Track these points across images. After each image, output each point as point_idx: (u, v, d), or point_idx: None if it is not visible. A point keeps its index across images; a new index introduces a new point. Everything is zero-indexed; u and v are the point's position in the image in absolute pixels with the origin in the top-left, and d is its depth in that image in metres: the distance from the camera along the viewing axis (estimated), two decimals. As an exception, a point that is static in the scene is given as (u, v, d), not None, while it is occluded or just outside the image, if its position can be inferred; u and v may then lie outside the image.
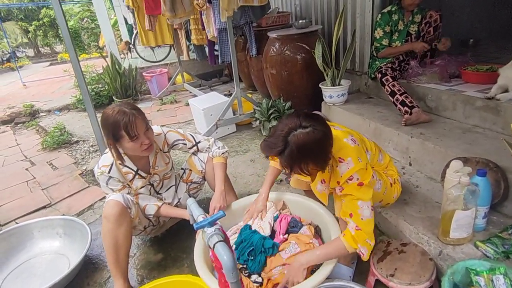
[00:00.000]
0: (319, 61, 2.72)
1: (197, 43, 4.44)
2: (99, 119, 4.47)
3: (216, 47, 4.66)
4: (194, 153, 1.78)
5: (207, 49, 5.03)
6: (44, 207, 2.44)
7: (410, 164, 2.06)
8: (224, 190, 1.67)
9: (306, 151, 1.15)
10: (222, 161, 1.74)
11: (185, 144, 1.69)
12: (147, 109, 4.64)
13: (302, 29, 3.16)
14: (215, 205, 1.60)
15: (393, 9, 2.49)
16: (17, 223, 2.25)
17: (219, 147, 1.76)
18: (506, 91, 1.91)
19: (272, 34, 3.20)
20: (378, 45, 2.56)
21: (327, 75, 2.73)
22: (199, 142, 1.73)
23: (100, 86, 4.97)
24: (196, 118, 3.47)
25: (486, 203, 1.38)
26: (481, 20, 3.80)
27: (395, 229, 1.62)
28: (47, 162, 3.24)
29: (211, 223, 0.92)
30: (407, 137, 2.04)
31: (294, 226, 1.55)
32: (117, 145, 1.42)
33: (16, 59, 10.75)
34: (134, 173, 1.56)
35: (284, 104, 2.99)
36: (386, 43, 2.54)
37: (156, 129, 1.63)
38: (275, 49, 3.17)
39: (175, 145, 1.68)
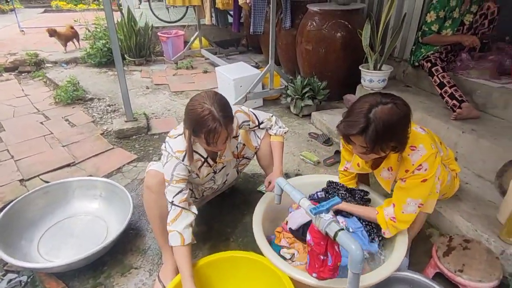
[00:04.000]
0: (365, 42, 2.61)
1: (221, 8, 4.18)
2: (110, 77, 4.22)
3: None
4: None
5: (230, 16, 4.81)
6: (68, 165, 2.33)
7: (456, 159, 2.04)
8: (282, 170, 1.62)
9: (392, 126, 1.11)
10: (281, 140, 1.66)
11: (249, 125, 1.59)
12: (162, 72, 4.44)
13: (344, 6, 3.00)
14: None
15: None
16: (42, 179, 2.15)
17: (280, 126, 1.67)
18: None
19: (313, 7, 3.03)
20: (427, 29, 2.43)
21: (371, 58, 2.63)
22: (262, 122, 1.62)
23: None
24: (222, 88, 3.32)
25: (555, 208, 1.39)
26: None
27: (449, 224, 1.62)
28: (62, 117, 3.08)
29: (328, 210, 0.87)
30: (457, 132, 2.01)
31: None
32: (193, 136, 1.31)
33: (6, 1, 9.89)
34: (203, 160, 1.46)
35: (319, 84, 2.89)
36: (436, 29, 2.42)
37: None
38: (314, 24, 3.02)
39: (241, 127, 1.58)
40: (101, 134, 2.76)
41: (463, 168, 1.98)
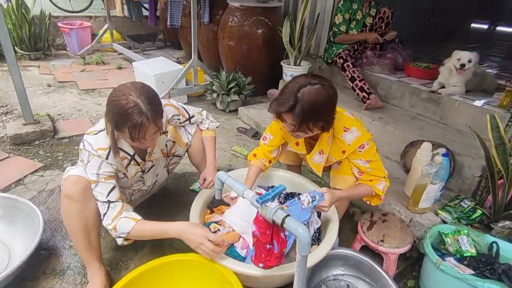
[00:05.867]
0: (285, 39, 2.73)
1: (134, -2, 3.89)
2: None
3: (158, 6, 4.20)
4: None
5: (144, 8, 4.49)
6: None
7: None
8: (216, 166, 1.58)
9: (317, 106, 1.17)
10: (213, 135, 1.63)
11: (179, 119, 1.50)
12: (66, 68, 3.91)
13: (264, 3, 3.09)
14: (212, 178, 1.51)
15: None
16: None
17: (211, 121, 1.63)
18: (443, 86, 2.30)
19: (234, 3, 3.04)
20: (337, 30, 2.71)
21: (291, 54, 2.77)
22: (192, 116, 1.55)
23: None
24: (141, 85, 3.09)
25: (445, 178, 1.68)
26: (405, 24, 4.40)
27: (368, 201, 1.81)
28: None
29: (273, 198, 0.87)
30: (368, 120, 2.26)
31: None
32: (116, 131, 1.17)
33: None
34: (130, 158, 1.31)
35: (244, 79, 2.92)
36: (344, 30, 2.70)
37: None
38: (235, 20, 3.03)
39: (171, 121, 1.47)
40: (-10, 141, 2.28)
41: (374, 152, 2.25)
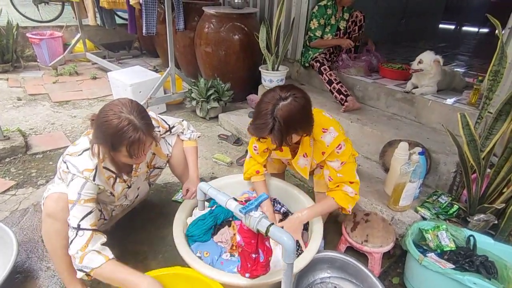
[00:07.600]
0: (262, 44, 2.75)
1: (107, 7, 3.79)
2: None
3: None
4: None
5: (118, 16, 4.40)
6: None
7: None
8: (198, 176, 1.56)
9: (293, 120, 1.18)
10: (195, 145, 1.61)
11: (159, 131, 1.47)
12: (38, 80, 3.76)
13: (239, 10, 3.10)
14: (195, 189, 1.49)
15: (329, 3, 2.71)
16: None
17: (192, 131, 1.61)
18: (416, 87, 2.38)
19: (209, 10, 3.03)
20: (312, 35, 2.77)
21: (268, 59, 2.79)
22: (173, 127, 1.53)
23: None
24: (118, 95, 3.01)
25: (422, 176, 1.73)
26: (377, 26, 4.54)
27: (351, 202, 1.84)
28: None
29: (257, 207, 0.86)
30: (347, 122, 2.31)
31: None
32: (111, 153, 1.13)
33: None
34: (115, 176, 1.27)
35: (223, 85, 2.91)
36: (319, 35, 2.76)
37: None
38: (212, 26, 3.02)
39: None
40: (-44, 160, 2.15)
41: (354, 153, 2.29)
